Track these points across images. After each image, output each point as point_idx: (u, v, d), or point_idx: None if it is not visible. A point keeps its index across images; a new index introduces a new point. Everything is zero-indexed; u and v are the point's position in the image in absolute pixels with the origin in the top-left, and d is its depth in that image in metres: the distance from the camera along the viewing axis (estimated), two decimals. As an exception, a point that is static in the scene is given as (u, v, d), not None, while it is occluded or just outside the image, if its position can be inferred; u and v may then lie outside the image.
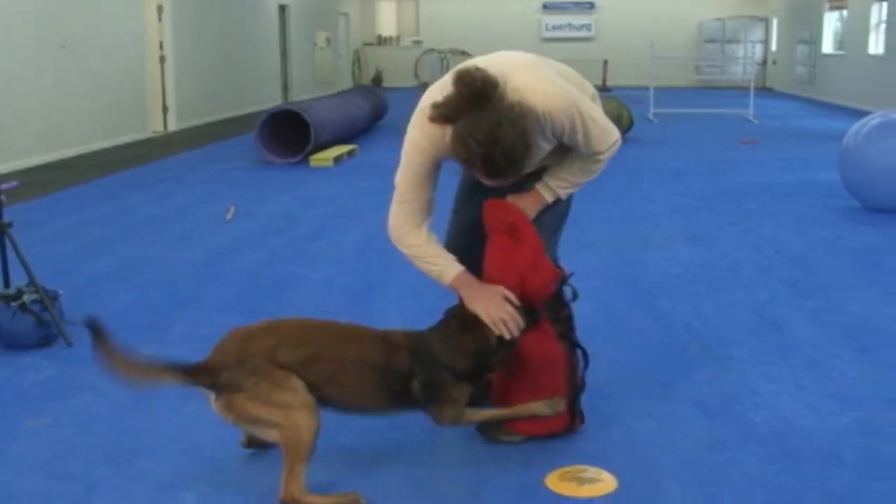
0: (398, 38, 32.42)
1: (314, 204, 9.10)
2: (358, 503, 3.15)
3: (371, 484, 3.30)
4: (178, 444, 3.68)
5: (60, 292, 5.01)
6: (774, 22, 30.14)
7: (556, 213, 3.70)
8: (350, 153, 12.75)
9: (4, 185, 5.31)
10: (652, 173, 10.82)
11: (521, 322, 3.36)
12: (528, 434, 3.59)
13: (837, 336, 4.96)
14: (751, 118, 17.74)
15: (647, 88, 19.05)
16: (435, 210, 3.49)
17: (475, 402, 3.48)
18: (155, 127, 15.92)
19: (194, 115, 17.25)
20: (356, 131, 14.58)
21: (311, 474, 3.14)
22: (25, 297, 4.77)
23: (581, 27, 31.51)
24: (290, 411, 3.11)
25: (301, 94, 23.28)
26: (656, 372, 4.43)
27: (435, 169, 3.42)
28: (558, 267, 3.62)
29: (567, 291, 3.62)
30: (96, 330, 3.13)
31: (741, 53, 28.66)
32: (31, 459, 3.58)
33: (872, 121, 8.41)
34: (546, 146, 3.41)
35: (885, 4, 19.83)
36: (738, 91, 24.18)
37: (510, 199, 3.55)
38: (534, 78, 3.31)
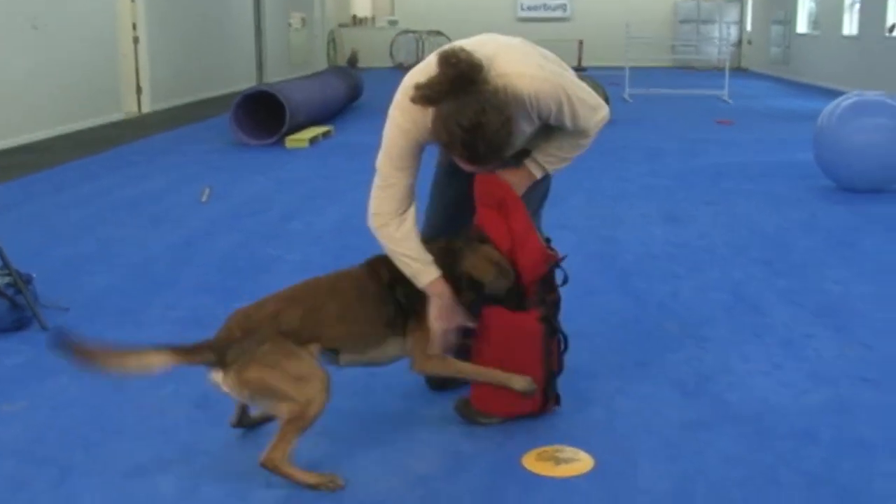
0: (373, 18, 32.25)
1: (290, 185, 9.06)
2: (335, 483, 3.14)
3: (348, 465, 3.30)
4: (155, 426, 3.67)
5: (34, 275, 4.98)
6: (749, 2, 30.14)
7: (538, 190, 3.70)
8: (325, 134, 12.69)
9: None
10: (628, 153, 10.83)
11: (450, 347, 3.44)
12: (505, 415, 3.60)
13: (812, 315, 4.99)
14: (726, 98, 17.78)
15: (622, 69, 19.06)
16: (417, 196, 3.47)
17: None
18: (129, 108, 15.78)
19: (168, 96, 17.12)
20: (331, 112, 14.51)
21: (293, 453, 3.14)
22: (-1, 281, 4.73)
23: (556, 7, 31.41)
24: (305, 384, 3.12)
25: (276, 75, 23.13)
26: (632, 352, 4.45)
27: (418, 152, 3.39)
28: (550, 248, 3.61)
29: (558, 275, 3.62)
30: (65, 343, 3.06)
31: (716, 34, 28.68)
32: (6, 444, 3.55)
33: (846, 101, 8.45)
34: (528, 130, 3.40)
35: (859, -16, 19.90)
36: (713, 71, 24.23)
37: (499, 174, 3.53)
38: (519, 61, 3.30)
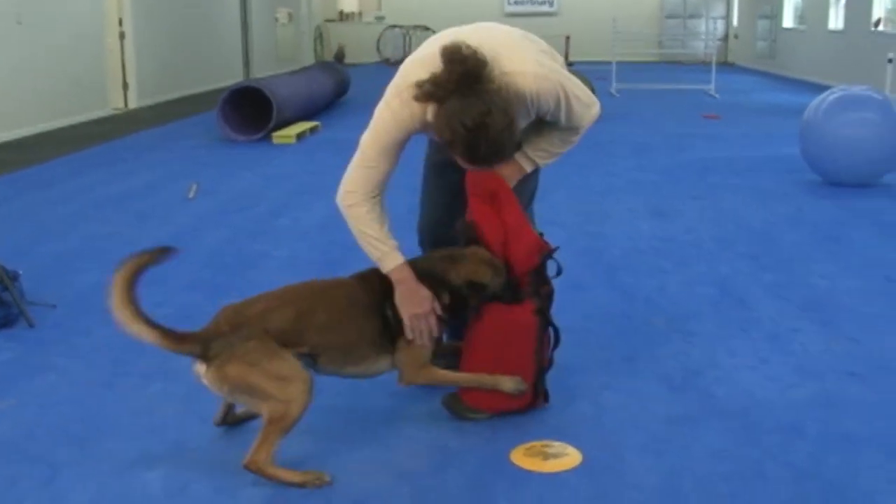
0: (360, 13, 32.16)
1: (277, 181, 9.05)
2: (322, 480, 3.15)
3: (335, 462, 3.30)
4: (143, 423, 3.67)
5: (21, 272, 4.96)
6: (736, -3, 30.21)
7: (527, 186, 3.72)
8: (313, 130, 12.68)
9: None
10: (614, 148, 10.84)
11: (435, 334, 3.41)
12: (493, 411, 3.60)
13: (798, 309, 5.01)
14: (712, 93, 17.80)
15: (609, 63, 19.06)
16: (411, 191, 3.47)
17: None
18: (116, 104, 15.73)
19: (155, 92, 17.06)
20: (319, 108, 14.50)
21: (276, 453, 3.15)
22: (-15, 278, 4.72)
23: (543, 2, 31.39)
24: (287, 384, 3.11)
25: (263, 70, 23.08)
26: (619, 347, 4.46)
27: (405, 142, 3.39)
28: (543, 240, 3.62)
29: (551, 267, 3.62)
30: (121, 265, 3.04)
31: (703, 28, 28.73)
32: (-6, 441, 3.55)
33: (832, 95, 8.47)
34: (523, 125, 3.41)
35: (844, -21, 19.95)
36: (699, 66, 24.26)
37: None
38: (522, 59, 3.30)
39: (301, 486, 3.12)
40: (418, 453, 3.42)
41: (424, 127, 3.31)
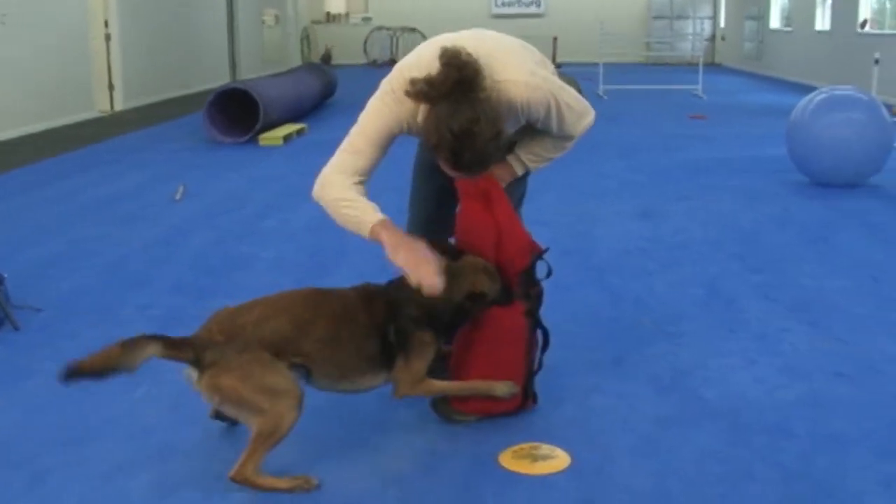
0: (347, 15, 32.16)
1: (264, 183, 9.03)
2: (310, 484, 3.13)
3: (323, 465, 3.28)
4: (128, 427, 3.64)
5: (6, 275, 4.93)
6: (722, -2, 30.30)
7: (516, 190, 3.72)
8: (299, 132, 12.65)
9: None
10: (602, 149, 10.84)
11: (440, 282, 3.24)
12: (482, 413, 3.59)
13: (786, 310, 5.01)
14: (700, 94, 17.84)
15: (596, 65, 19.09)
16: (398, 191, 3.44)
17: (433, 376, 3.48)
18: (101, 106, 15.68)
19: (141, 93, 17.01)
20: (305, 110, 14.47)
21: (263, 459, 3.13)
22: (-30, 282, 4.69)
23: (531, 3, 31.41)
24: (278, 399, 3.06)
25: (249, 72, 23.05)
26: (608, 348, 4.45)
27: (392, 138, 3.38)
28: (533, 241, 3.61)
29: (541, 268, 3.61)
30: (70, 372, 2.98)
31: (690, 29, 28.81)
32: (-22, 446, 3.52)
33: (819, 96, 8.48)
34: (511, 131, 3.41)
35: (830, -20, 20.01)
36: (686, 67, 24.31)
37: None
38: (515, 68, 3.29)
39: (289, 491, 3.10)
40: (406, 456, 3.40)
41: (413, 126, 3.31)
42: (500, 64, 3.25)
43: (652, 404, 3.82)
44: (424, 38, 26.92)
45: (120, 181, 9.25)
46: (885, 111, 8.30)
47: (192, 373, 3.10)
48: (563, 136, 3.52)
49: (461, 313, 3.41)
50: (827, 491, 3.14)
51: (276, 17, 27.15)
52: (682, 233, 6.82)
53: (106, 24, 15.89)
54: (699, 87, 18.08)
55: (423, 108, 3.20)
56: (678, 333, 4.65)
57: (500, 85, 3.22)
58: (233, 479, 3.08)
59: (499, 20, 29.83)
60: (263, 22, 26.05)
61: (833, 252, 6.26)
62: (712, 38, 30.22)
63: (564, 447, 3.43)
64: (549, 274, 3.63)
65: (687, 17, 29.95)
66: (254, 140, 11.64)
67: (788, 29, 23.46)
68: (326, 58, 30.32)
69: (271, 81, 13.89)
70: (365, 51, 30.52)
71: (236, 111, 11.93)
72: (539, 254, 3.57)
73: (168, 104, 17.31)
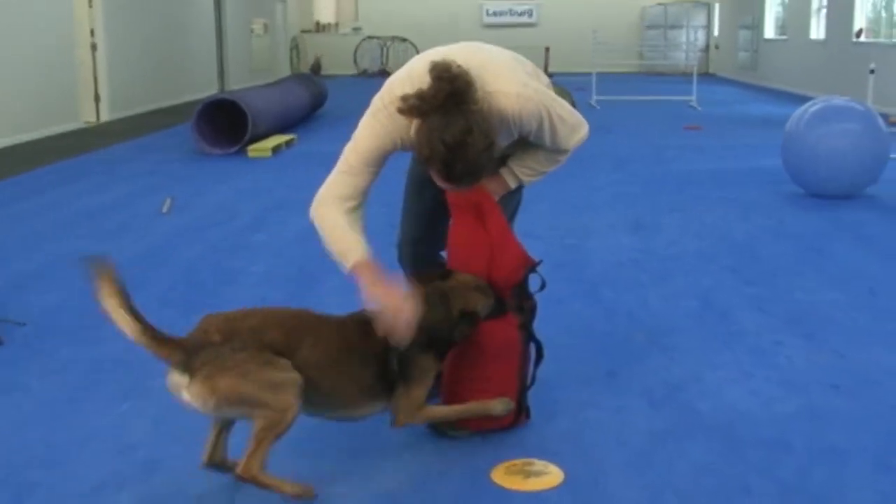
0: (337, 24, 32.18)
1: (253, 195, 8.97)
2: (309, 494, 3.09)
3: (316, 480, 3.22)
4: (112, 444, 3.58)
5: (-11, 289, 4.87)
6: (717, 7, 30.37)
7: (510, 203, 3.70)
8: (289, 143, 12.59)
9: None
10: (595, 160, 10.80)
11: (411, 327, 3.20)
12: (475, 429, 3.55)
13: (781, 322, 4.97)
14: (694, 104, 17.86)
15: (589, 75, 19.09)
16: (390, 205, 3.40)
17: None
18: (87, 117, 15.58)
19: (128, 104, 16.93)
20: (295, 120, 14.41)
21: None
22: (-48, 295, 4.62)
23: (523, 13, 31.49)
24: (280, 391, 3.02)
25: (238, 82, 23.01)
26: (601, 362, 4.40)
27: (387, 155, 3.35)
28: (526, 253, 3.57)
29: (534, 281, 3.58)
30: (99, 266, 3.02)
31: (684, 39, 28.86)
32: (-42, 464, 3.45)
33: (813, 107, 8.46)
34: (504, 143, 3.38)
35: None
36: (680, 77, 24.36)
37: None
38: (507, 79, 3.28)
39: (294, 497, 3.06)
40: (399, 472, 3.35)
41: (406, 141, 3.28)
42: (492, 75, 3.24)
43: (646, 418, 3.78)
44: (415, 47, 27.02)
45: (106, 193, 9.18)
46: (880, 121, 8.29)
47: (180, 378, 2.99)
48: (557, 150, 3.49)
49: (457, 332, 3.36)
50: (825, 506, 3.10)
51: (265, 26, 27.12)
52: (675, 245, 6.78)
53: (92, 33, 15.79)
54: (693, 97, 18.10)
55: (415, 122, 3.18)
56: (672, 346, 4.61)
57: (492, 96, 3.20)
58: (240, 476, 3.02)
59: (490, 30, 29.90)
60: (252, 31, 26.01)
61: (828, 263, 6.22)
62: (706, 47, 30.31)
63: (558, 462, 3.38)
64: (542, 287, 3.60)
65: (681, 27, 30.02)
66: (242, 151, 11.58)
67: (783, 38, 23.54)
68: (316, 67, 30.33)
69: (260, 92, 13.84)
70: (355, 61, 30.54)
71: (224, 122, 11.88)
72: (532, 266, 3.52)
73: (155, 115, 17.26)
